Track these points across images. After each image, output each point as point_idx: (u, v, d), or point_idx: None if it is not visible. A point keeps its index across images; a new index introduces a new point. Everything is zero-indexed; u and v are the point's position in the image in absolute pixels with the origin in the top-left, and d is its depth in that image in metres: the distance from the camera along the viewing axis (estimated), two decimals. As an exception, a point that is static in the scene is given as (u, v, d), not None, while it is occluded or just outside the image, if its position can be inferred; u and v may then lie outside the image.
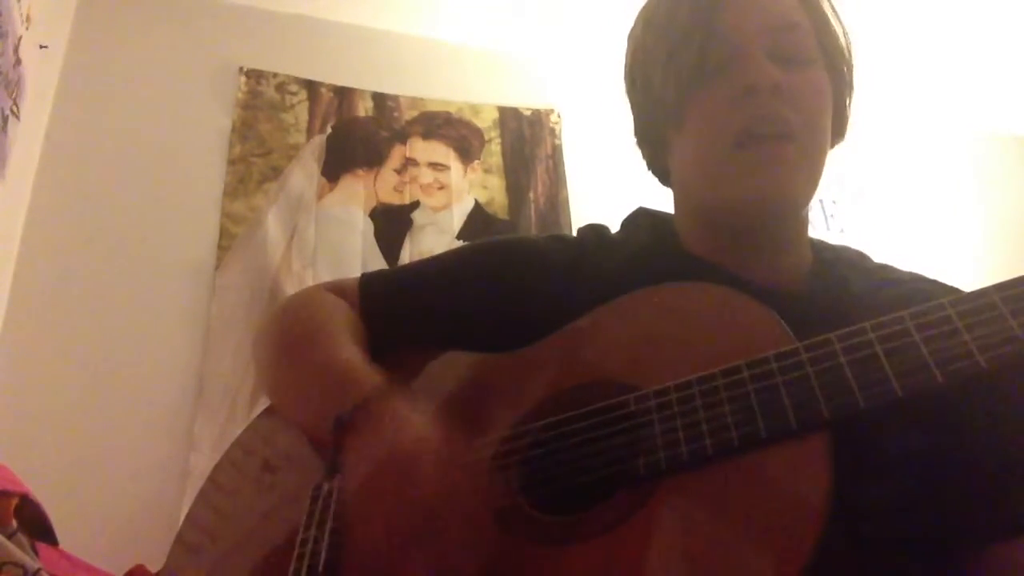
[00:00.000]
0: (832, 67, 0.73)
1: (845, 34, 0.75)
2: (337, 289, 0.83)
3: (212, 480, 0.79)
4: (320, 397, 0.69)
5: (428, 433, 0.60)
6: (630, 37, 0.80)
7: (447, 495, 0.56)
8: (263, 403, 0.83)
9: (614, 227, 0.87)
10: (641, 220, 0.85)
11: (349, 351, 0.73)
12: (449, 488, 0.56)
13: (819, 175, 0.72)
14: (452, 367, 0.76)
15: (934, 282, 0.73)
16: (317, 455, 0.72)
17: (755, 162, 0.68)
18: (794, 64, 0.70)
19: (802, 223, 0.77)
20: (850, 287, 0.72)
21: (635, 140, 0.83)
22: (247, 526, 0.73)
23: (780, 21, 0.71)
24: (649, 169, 0.84)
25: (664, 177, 0.83)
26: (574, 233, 0.87)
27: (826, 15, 0.74)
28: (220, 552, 0.72)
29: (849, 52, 0.75)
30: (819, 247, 0.79)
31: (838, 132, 0.77)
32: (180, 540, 0.75)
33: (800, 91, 0.69)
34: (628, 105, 0.82)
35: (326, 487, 0.65)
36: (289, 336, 0.80)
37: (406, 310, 0.81)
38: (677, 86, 0.71)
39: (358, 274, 0.88)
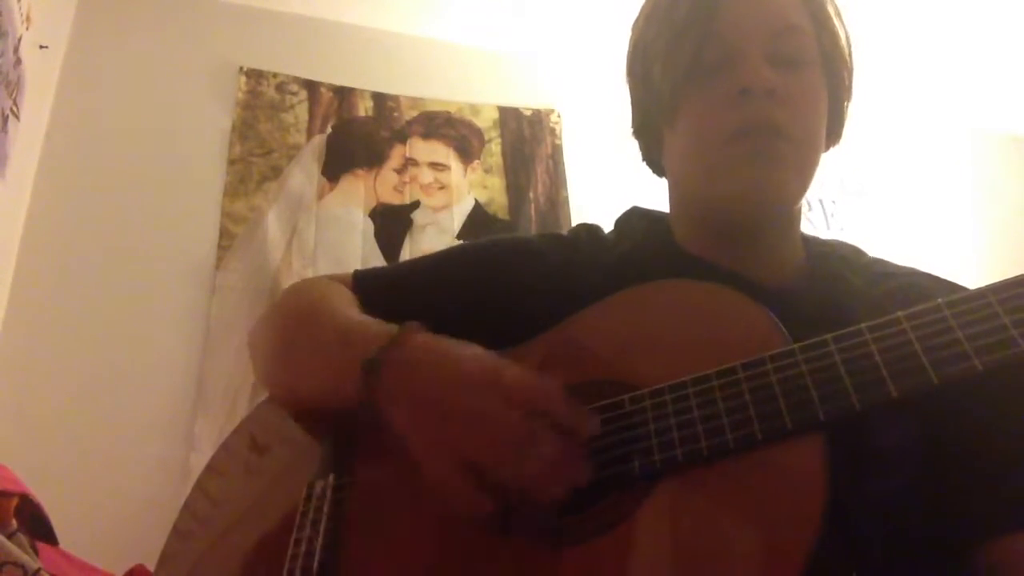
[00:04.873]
0: (830, 70, 0.73)
1: (847, 37, 0.75)
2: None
3: (208, 467, 0.80)
4: (339, 350, 0.67)
5: (475, 352, 0.60)
6: (632, 28, 0.80)
7: (536, 391, 0.56)
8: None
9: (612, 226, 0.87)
10: (635, 219, 0.85)
11: (356, 314, 0.73)
12: (534, 384, 0.56)
13: (810, 176, 0.72)
14: None
15: (930, 276, 0.72)
16: (312, 437, 0.72)
17: (746, 156, 0.68)
18: (791, 66, 0.70)
19: (795, 220, 0.77)
20: (845, 282, 0.72)
21: (632, 131, 0.83)
22: (237, 510, 0.73)
23: (780, 23, 0.70)
24: (644, 161, 0.84)
25: (659, 170, 0.83)
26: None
27: (829, 17, 0.74)
28: (211, 537, 0.73)
29: (849, 55, 0.75)
30: (812, 243, 0.79)
31: (833, 135, 0.77)
32: (175, 528, 0.75)
33: (794, 94, 0.69)
34: (628, 96, 0.82)
35: (319, 486, 0.65)
36: (291, 318, 0.79)
37: (399, 307, 0.80)
38: (673, 82, 0.71)
39: None
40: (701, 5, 0.70)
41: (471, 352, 0.60)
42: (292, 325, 0.78)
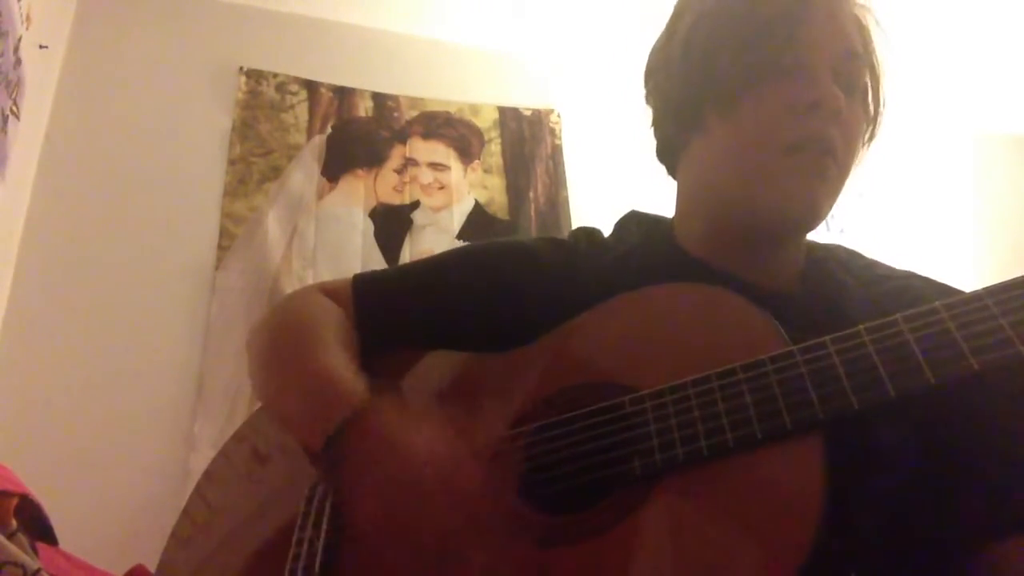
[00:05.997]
0: (866, 104, 0.74)
1: (884, 81, 0.75)
2: (329, 290, 0.83)
3: (206, 474, 0.80)
4: (307, 409, 0.69)
5: (425, 445, 0.60)
6: (690, 4, 0.77)
7: (460, 504, 0.56)
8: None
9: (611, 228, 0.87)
10: (633, 223, 0.84)
11: (337, 359, 0.72)
12: (460, 498, 0.57)
13: (837, 200, 0.72)
14: (444, 368, 0.76)
15: (925, 279, 0.73)
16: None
17: (798, 169, 0.68)
18: (849, 92, 0.70)
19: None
20: (841, 285, 0.73)
21: (659, 113, 0.80)
22: (238, 517, 0.74)
23: (850, 48, 0.71)
24: (659, 153, 0.81)
25: (672, 158, 0.80)
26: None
27: (875, 57, 0.74)
28: (211, 544, 0.73)
29: (883, 99, 0.75)
30: (809, 247, 0.79)
31: None
32: (174, 534, 0.76)
33: (850, 120, 0.70)
34: (664, 72, 0.78)
35: (321, 488, 0.65)
36: (278, 341, 0.79)
37: (398, 312, 0.80)
38: (746, 74, 0.69)
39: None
40: (788, 8, 0.70)
41: (419, 441, 0.61)
42: (275, 354, 0.78)
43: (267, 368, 0.78)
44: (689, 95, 0.75)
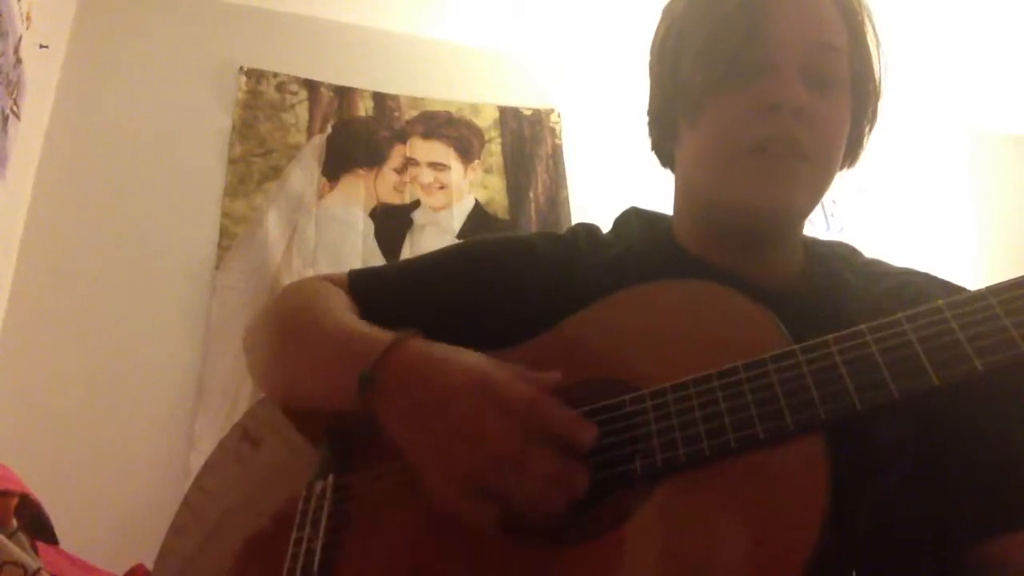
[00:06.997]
0: (857, 94, 0.73)
1: (880, 65, 0.74)
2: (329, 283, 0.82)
3: (205, 464, 0.80)
4: (336, 360, 0.67)
5: (471, 365, 0.59)
6: (667, 12, 0.78)
7: (531, 405, 0.55)
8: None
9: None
10: (633, 220, 0.84)
11: (352, 318, 0.72)
12: (529, 398, 0.56)
13: (821, 195, 0.72)
14: None
15: (925, 275, 0.73)
16: (310, 437, 0.72)
17: (762, 170, 0.68)
18: (823, 86, 0.69)
19: (798, 226, 0.77)
20: (843, 282, 0.73)
21: (647, 117, 0.81)
22: (233, 503, 0.73)
23: (822, 39, 0.70)
24: (653, 149, 0.82)
25: (668, 160, 0.81)
26: None
27: (866, 42, 0.73)
28: (206, 531, 0.73)
29: (879, 80, 0.75)
30: (811, 243, 0.79)
31: (849, 158, 0.77)
32: (173, 524, 0.76)
33: (821, 117, 0.69)
34: (649, 79, 0.80)
35: (319, 486, 0.65)
36: (287, 323, 0.78)
37: (395, 306, 0.79)
38: (705, 79, 0.70)
39: None
40: (748, 5, 0.69)
41: (466, 362, 0.60)
42: (287, 331, 0.77)
43: (275, 359, 0.78)
44: (664, 105, 0.77)
